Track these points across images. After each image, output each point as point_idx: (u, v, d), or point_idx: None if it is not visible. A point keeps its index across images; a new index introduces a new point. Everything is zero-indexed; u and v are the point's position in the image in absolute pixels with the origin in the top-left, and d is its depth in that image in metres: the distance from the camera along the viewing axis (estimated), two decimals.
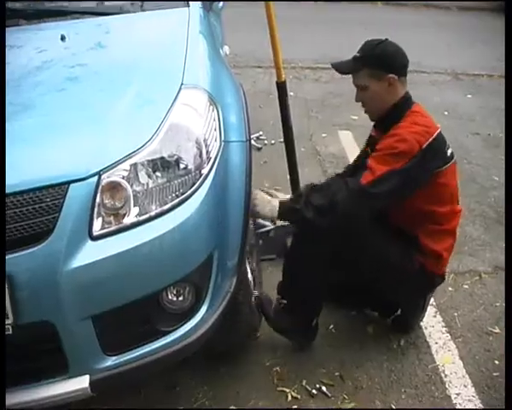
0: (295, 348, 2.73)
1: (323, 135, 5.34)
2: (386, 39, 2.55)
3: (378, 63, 2.49)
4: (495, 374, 2.62)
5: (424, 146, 2.39)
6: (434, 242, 2.55)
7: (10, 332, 1.71)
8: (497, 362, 2.68)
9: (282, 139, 3.55)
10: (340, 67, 2.60)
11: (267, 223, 3.32)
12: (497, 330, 2.87)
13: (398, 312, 2.86)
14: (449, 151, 2.53)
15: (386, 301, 2.79)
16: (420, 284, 2.65)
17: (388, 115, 2.55)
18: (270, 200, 2.50)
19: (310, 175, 4.05)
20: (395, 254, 2.52)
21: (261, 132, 4.97)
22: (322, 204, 2.33)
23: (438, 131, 2.48)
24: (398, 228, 2.53)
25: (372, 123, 2.69)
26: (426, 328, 2.88)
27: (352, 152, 4.55)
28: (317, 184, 2.47)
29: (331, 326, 2.87)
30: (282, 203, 2.47)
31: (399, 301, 2.80)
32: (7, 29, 2.39)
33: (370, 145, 2.70)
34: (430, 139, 2.41)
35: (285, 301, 2.63)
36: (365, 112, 2.63)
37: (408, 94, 2.57)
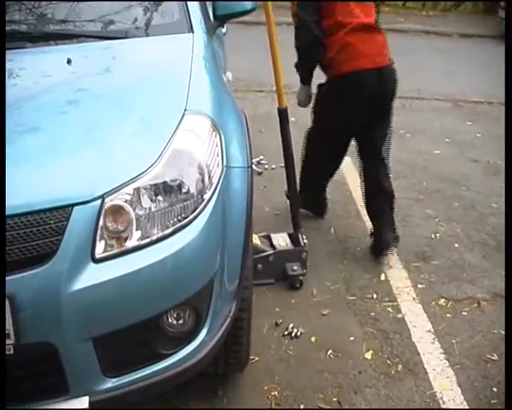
0: (293, 371, 2.74)
1: None
2: None
3: None
4: (493, 401, 2.63)
5: None
6: (329, 51, 3.35)
7: (12, 352, 1.72)
8: (495, 389, 2.69)
9: (282, 164, 3.58)
10: None
11: (266, 248, 3.34)
12: (496, 358, 2.88)
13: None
14: None
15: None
16: (339, 88, 3.46)
17: None
18: None
19: None
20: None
21: (262, 157, 5.00)
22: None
23: None
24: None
25: None
26: (424, 354, 2.89)
27: (352, 178, 4.58)
28: None
29: (329, 352, 2.87)
30: None
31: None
32: (13, 51, 2.41)
33: None
34: None
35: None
36: None
37: None
